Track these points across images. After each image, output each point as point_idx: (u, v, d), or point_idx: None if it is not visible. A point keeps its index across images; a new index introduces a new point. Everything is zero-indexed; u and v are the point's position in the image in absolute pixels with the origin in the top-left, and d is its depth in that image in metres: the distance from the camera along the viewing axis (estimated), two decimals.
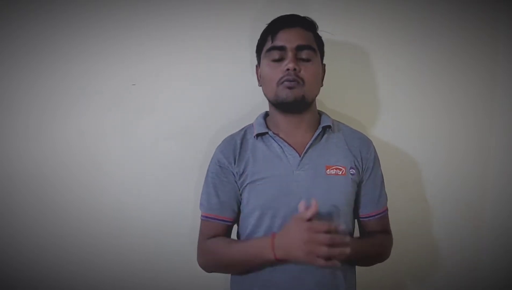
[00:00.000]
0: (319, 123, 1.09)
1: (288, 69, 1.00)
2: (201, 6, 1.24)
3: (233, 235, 1.13)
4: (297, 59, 1.02)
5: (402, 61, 1.34)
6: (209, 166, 1.11)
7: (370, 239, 1.10)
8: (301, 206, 0.93)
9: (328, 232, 0.89)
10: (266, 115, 1.14)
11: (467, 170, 1.40)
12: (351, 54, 1.31)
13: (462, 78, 1.37)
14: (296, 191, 1.01)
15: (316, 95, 1.08)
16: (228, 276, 1.12)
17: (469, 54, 1.36)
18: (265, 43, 1.07)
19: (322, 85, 1.11)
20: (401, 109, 1.36)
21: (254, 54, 1.13)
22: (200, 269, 1.09)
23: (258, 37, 1.09)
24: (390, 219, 1.16)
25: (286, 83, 1.01)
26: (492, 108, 1.40)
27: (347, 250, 0.89)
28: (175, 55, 1.25)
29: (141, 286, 1.30)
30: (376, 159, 1.12)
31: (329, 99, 1.29)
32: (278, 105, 1.05)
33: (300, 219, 0.91)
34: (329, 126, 1.08)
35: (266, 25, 1.08)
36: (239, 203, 1.08)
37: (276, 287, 1.00)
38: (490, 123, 1.40)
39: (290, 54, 1.01)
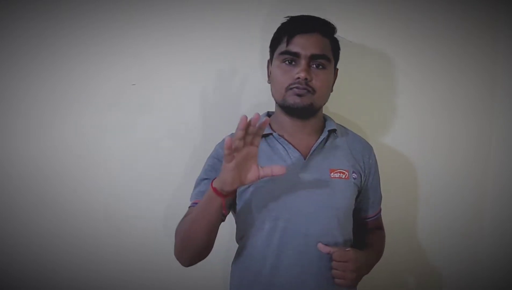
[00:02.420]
0: (324, 127, 1.08)
1: (299, 78, 0.98)
2: (201, 6, 1.24)
3: (231, 238, 1.13)
4: (309, 67, 1.00)
5: (402, 61, 1.34)
6: (206, 160, 1.09)
7: (374, 247, 1.11)
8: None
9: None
10: (267, 115, 1.12)
11: (467, 170, 1.40)
12: (350, 55, 1.31)
13: (462, 78, 1.37)
14: (299, 194, 1.00)
15: (325, 103, 1.07)
16: (228, 276, 1.11)
17: (469, 54, 1.36)
18: (280, 43, 1.03)
19: (332, 91, 1.09)
20: (401, 109, 1.35)
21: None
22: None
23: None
24: (391, 220, 1.17)
25: (295, 90, 0.99)
26: (492, 108, 1.40)
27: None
28: (175, 55, 1.25)
29: (141, 286, 1.30)
30: (376, 164, 1.14)
31: (330, 102, 1.28)
32: (285, 108, 1.03)
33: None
34: (334, 130, 1.08)
35: (285, 20, 1.04)
36: (230, 200, 1.02)
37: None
38: (490, 123, 1.40)
39: (303, 62, 0.99)
